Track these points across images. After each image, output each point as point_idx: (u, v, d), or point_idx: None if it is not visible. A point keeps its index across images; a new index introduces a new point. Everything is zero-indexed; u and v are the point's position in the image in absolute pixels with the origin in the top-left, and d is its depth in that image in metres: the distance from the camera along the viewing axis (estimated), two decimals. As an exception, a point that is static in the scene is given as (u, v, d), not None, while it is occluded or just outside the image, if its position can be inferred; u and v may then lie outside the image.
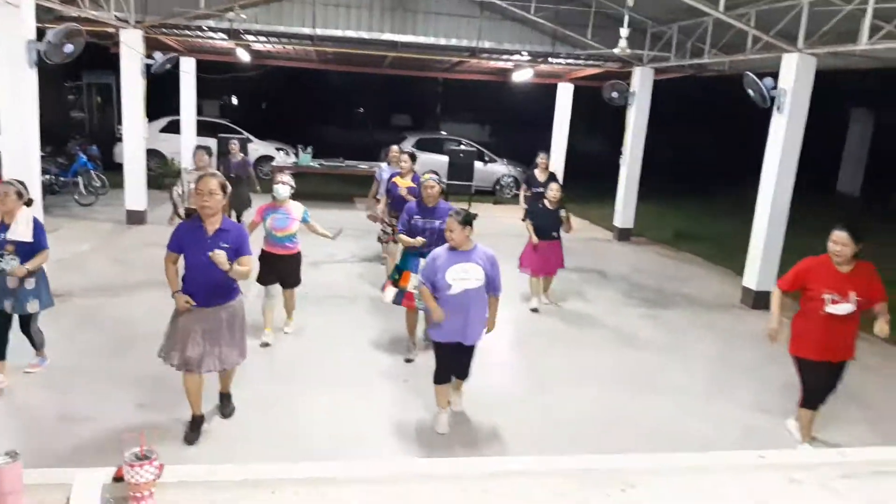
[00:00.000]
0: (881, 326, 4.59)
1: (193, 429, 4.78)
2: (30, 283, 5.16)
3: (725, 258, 11.01)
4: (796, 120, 8.19)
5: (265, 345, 6.38)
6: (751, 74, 8.34)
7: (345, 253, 10.30)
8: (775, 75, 8.36)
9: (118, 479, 3.58)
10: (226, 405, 5.10)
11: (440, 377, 5.00)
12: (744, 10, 8.69)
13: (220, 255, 4.30)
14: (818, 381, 4.83)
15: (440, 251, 4.88)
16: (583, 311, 8.21)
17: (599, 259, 11.10)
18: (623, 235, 12.81)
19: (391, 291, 6.08)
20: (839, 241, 4.56)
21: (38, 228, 5.15)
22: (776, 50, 8.36)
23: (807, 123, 8.30)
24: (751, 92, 8.42)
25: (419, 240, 5.94)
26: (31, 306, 5.23)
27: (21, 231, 5.06)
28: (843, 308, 4.58)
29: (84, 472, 3.58)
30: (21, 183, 5.24)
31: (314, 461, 4.43)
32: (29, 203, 5.21)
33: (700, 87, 17.76)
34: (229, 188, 4.55)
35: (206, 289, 4.46)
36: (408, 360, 6.30)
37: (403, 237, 6.13)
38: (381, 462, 4.30)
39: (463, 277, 4.71)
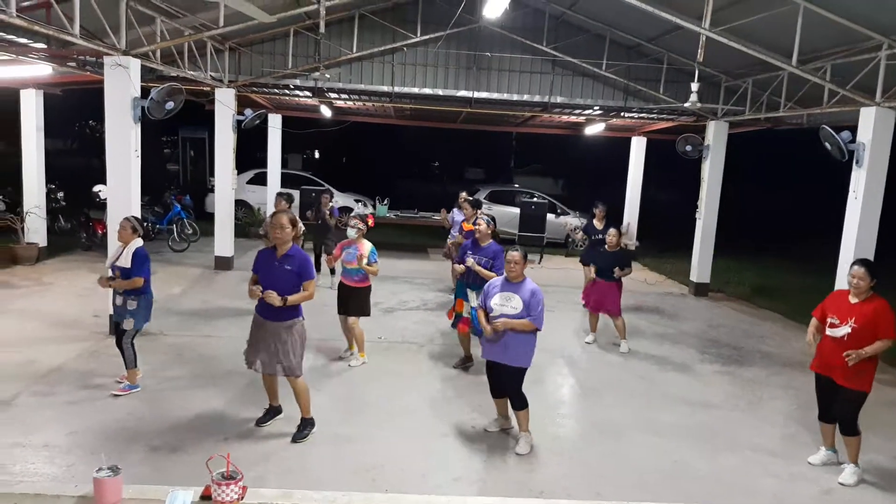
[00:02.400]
0: (858, 353, 4.95)
1: (265, 414, 5.62)
2: (131, 305, 6.03)
3: (805, 315, 10.60)
4: (877, 174, 7.99)
5: (345, 357, 7.38)
6: (827, 128, 8.21)
7: (417, 301, 10.58)
8: (855, 128, 8.23)
9: (206, 497, 3.87)
10: (300, 430, 5.41)
11: (491, 391, 5.74)
12: (819, 64, 8.64)
13: (270, 295, 4.99)
14: (818, 392, 5.50)
15: (497, 281, 5.58)
16: (657, 365, 8.09)
17: (675, 314, 10.93)
18: (700, 290, 12.51)
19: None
20: (856, 275, 5.15)
21: (137, 258, 5.98)
22: (853, 103, 8.22)
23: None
24: (828, 145, 8.30)
25: (459, 268, 6.96)
26: (127, 323, 6.09)
27: (124, 258, 5.98)
28: (839, 331, 5.14)
29: (174, 489, 3.88)
30: (137, 220, 6.31)
31: (380, 492, 4.61)
32: (141, 236, 6.18)
33: (777, 141, 17.43)
34: (301, 225, 5.34)
35: (271, 305, 5.10)
36: (464, 368, 7.35)
37: (456, 266, 7.22)
38: (444, 497, 4.42)
39: (503, 304, 5.34)
